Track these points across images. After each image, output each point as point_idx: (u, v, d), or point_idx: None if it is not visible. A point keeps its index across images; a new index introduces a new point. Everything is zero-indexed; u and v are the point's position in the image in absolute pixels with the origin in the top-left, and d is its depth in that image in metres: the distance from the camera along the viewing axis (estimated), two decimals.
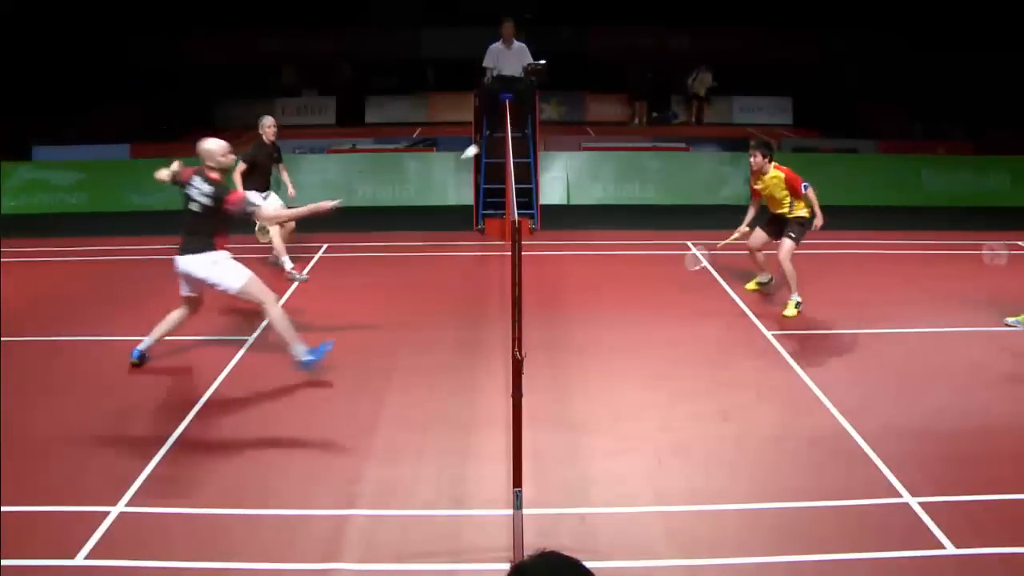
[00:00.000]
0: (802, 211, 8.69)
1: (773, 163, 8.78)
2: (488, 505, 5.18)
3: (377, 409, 6.60)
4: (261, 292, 6.98)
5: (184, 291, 7.20)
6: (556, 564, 1.95)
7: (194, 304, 7.35)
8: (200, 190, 6.95)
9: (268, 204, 9.43)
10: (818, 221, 8.64)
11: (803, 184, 8.53)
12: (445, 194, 14.76)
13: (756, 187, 8.93)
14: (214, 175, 6.99)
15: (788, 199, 8.69)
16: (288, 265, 9.84)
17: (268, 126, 9.98)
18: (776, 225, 8.88)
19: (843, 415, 6.38)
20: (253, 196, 8.85)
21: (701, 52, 23.68)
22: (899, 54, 21.09)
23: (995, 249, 8.85)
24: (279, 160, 10.30)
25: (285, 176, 10.42)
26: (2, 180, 13.84)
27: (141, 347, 7.36)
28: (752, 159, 8.80)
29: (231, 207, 6.88)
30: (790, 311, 8.54)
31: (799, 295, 8.58)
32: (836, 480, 5.52)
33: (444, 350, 7.81)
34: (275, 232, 9.76)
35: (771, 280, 9.26)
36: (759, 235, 9.02)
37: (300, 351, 6.93)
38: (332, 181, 14.94)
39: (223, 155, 7.03)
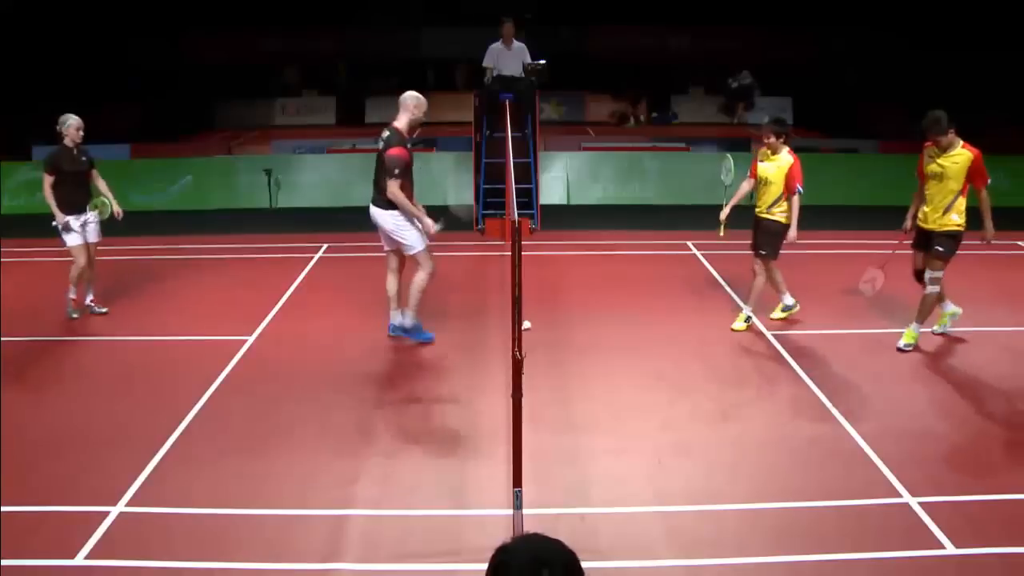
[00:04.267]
0: (780, 215, 8.06)
1: (787, 147, 8.10)
2: (488, 505, 5.19)
3: (377, 409, 6.60)
4: (429, 260, 7.65)
5: (386, 246, 7.82)
6: (538, 545, 2.00)
7: (397, 262, 7.83)
8: (382, 136, 7.52)
9: (90, 231, 8.59)
10: (792, 234, 7.99)
11: (799, 185, 7.96)
12: (445, 194, 14.75)
13: (759, 170, 8.14)
14: (399, 125, 7.48)
15: (779, 194, 8.00)
16: (74, 294, 8.66)
17: (74, 128, 8.47)
18: (759, 234, 8.24)
19: (843, 415, 6.38)
20: (72, 220, 8.43)
21: (701, 52, 23.67)
22: (899, 54, 21.07)
23: (873, 280, 8.08)
24: (91, 167, 8.71)
25: (102, 186, 8.76)
26: (2, 180, 13.85)
27: (397, 322, 7.92)
28: (765, 140, 8.11)
29: (386, 157, 7.34)
30: (739, 324, 8.21)
31: (752, 311, 8.27)
32: (836, 480, 5.52)
33: (444, 350, 7.81)
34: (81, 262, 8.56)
35: (796, 304, 8.50)
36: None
37: (409, 319, 7.76)
38: (332, 181, 14.95)
39: (415, 106, 7.50)
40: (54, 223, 8.49)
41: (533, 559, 1.95)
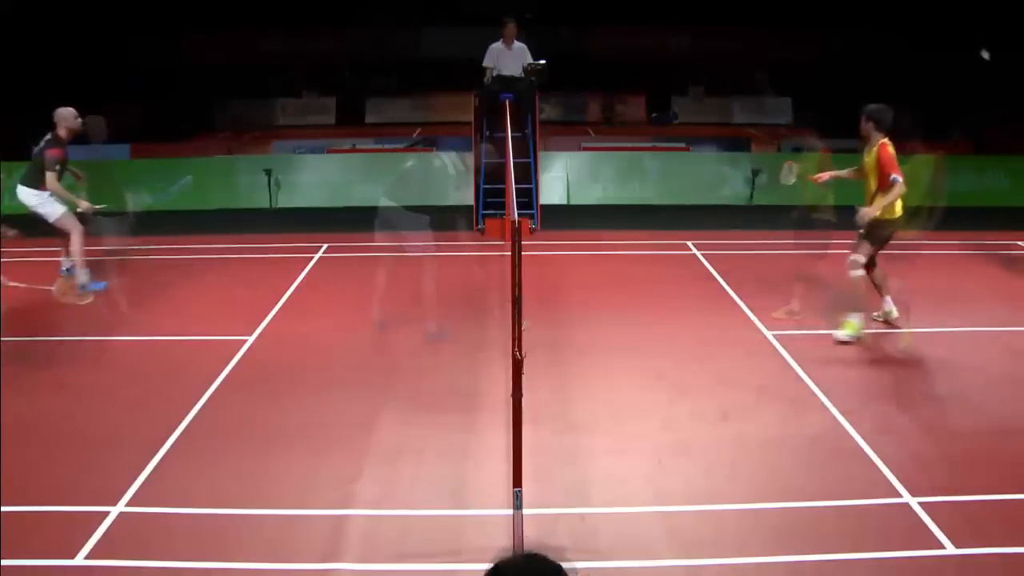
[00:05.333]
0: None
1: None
2: (488, 505, 5.18)
3: (377, 409, 6.59)
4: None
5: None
6: (534, 566, 1.95)
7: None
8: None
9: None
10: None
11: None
12: (445, 194, 14.72)
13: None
14: None
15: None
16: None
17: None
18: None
19: (843, 415, 6.37)
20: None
21: (701, 52, 23.69)
22: (899, 54, 21.08)
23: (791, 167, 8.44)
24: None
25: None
26: (2, 180, 13.84)
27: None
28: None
29: None
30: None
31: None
32: (836, 480, 5.52)
33: (444, 350, 7.81)
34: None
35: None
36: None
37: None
38: (332, 181, 14.94)
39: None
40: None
41: None
